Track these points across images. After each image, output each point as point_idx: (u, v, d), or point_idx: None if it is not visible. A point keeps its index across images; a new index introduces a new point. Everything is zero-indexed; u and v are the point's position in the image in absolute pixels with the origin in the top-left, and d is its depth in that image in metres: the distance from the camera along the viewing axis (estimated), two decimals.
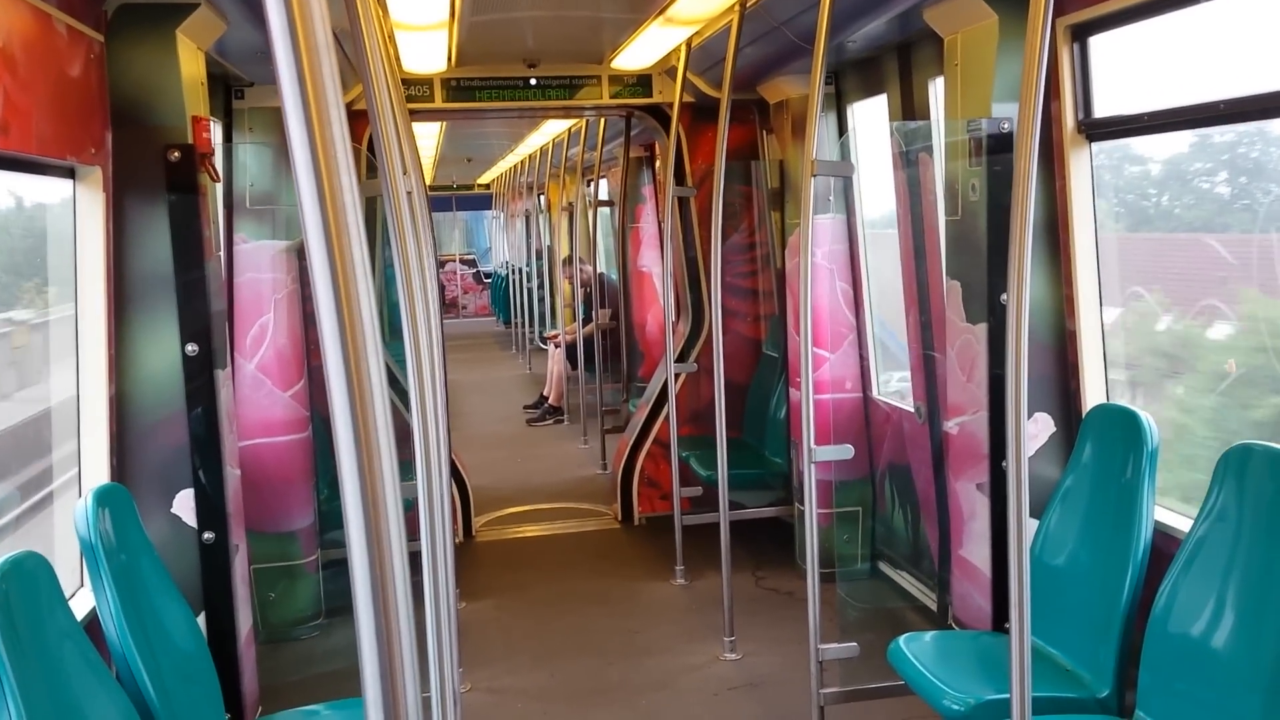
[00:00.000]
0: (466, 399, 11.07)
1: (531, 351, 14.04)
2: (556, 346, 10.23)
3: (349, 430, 0.93)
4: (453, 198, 20.66)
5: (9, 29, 2.63)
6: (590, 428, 8.88)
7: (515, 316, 15.67)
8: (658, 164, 8.86)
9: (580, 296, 9.44)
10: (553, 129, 9.70)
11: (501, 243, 20.37)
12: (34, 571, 2.36)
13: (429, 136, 9.94)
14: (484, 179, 19.74)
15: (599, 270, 10.11)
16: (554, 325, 12.58)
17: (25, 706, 2.13)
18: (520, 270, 15.43)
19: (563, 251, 11.53)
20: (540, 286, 14.35)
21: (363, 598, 0.94)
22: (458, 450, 5.92)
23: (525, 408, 10.50)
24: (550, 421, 10.01)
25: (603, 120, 8.06)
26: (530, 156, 13.46)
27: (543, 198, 14.13)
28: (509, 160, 14.92)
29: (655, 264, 9.19)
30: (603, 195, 10.96)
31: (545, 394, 10.38)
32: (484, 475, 7.15)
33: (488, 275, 21.77)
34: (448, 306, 20.80)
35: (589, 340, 9.19)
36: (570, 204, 10.72)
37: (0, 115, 2.56)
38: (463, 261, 21.75)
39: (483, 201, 21.80)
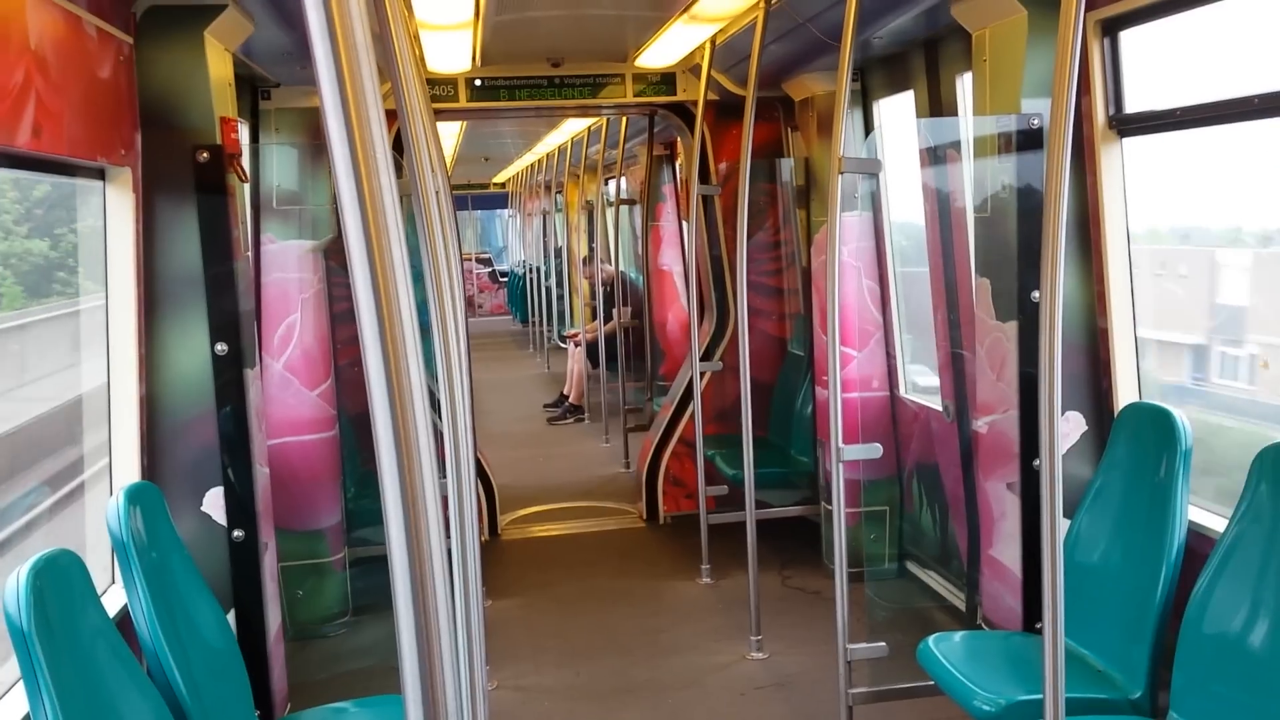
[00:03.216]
0: (486, 398, 11.09)
1: (550, 350, 14.05)
2: (577, 345, 10.23)
3: (389, 428, 0.93)
4: (468, 196, 20.72)
5: (40, 32, 2.65)
6: (612, 426, 8.88)
7: (532, 315, 15.69)
8: (679, 162, 8.84)
9: (601, 295, 9.44)
10: (572, 127, 9.70)
11: (517, 242, 20.39)
12: (67, 569, 2.38)
13: (448, 136, 9.97)
14: (499, 178, 19.78)
15: (619, 269, 10.11)
16: (572, 324, 12.58)
17: (60, 702, 2.14)
18: (537, 269, 15.44)
19: (581, 251, 11.53)
20: (558, 285, 14.35)
21: (402, 595, 0.94)
22: (481, 448, 5.93)
23: (545, 406, 10.51)
24: (571, 420, 10.02)
25: (624, 119, 8.05)
26: (548, 155, 13.47)
27: (560, 196, 14.13)
28: (526, 159, 14.92)
29: (676, 262, 9.18)
30: (622, 194, 10.96)
31: (565, 393, 10.38)
32: (506, 474, 7.16)
33: (503, 274, 21.81)
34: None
35: (610, 339, 9.18)
36: (589, 203, 10.68)
37: (33, 118, 2.58)
38: (479, 261, 21.80)
39: (498, 200, 21.83)
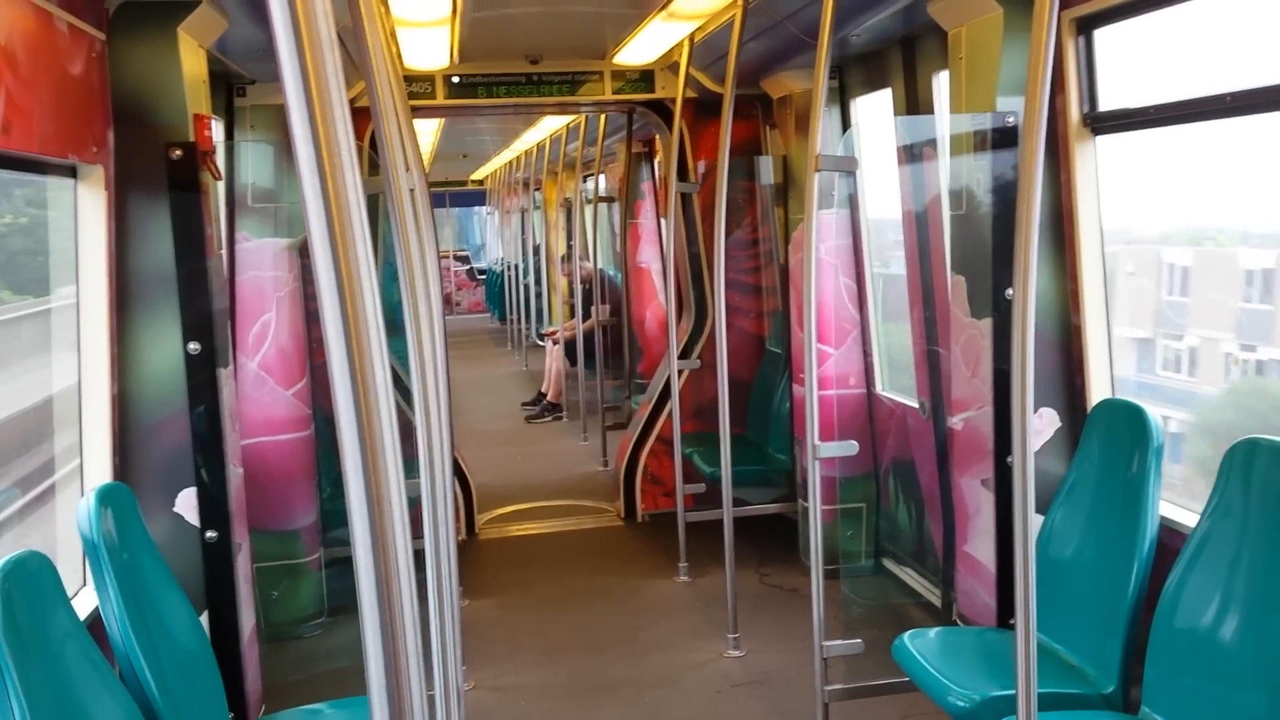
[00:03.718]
0: (464, 396, 11.06)
1: (528, 348, 14.02)
2: (555, 343, 10.21)
3: (353, 427, 0.93)
4: (446, 194, 20.64)
5: (10, 27, 2.62)
6: (590, 425, 8.87)
7: (511, 313, 15.64)
8: (657, 159, 8.84)
9: (580, 293, 9.42)
10: (550, 125, 9.68)
11: (495, 239, 20.33)
12: (37, 571, 2.35)
13: (426, 133, 9.93)
14: (478, 175, 19.71)
15: (597, 267, 10.10)
16: (551, 322, 12.54)
17: (29, 706, 2.12)
18: (515, 267, 15.41)
19: (560, 248, 11.50)
20: (537, 283, 14.32)
21: (367, 595, 0.93)
22: (459, 447, 5.91)
23: (524, 404, 10.49)
24: (549, 418, 10.00)
25: (603, 116, 8.05)
26: (526, 152, 13.43)
27: (539, 194, 14.08)
28: (504, 156, 14.88)
29: (654, 260, 9.17)
30: (600, 192, 10.95)
31: (543, 391, 10.36)
32: (484, 472, 7.14)
33: (482, 272, 21.74)
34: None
35: (588, 337, 9.18)
36: (568, 200, 10.65)
37: (2, 115, 2.54)
38: (456, 258, 21.71)
39: (475, 198, 21.73)
